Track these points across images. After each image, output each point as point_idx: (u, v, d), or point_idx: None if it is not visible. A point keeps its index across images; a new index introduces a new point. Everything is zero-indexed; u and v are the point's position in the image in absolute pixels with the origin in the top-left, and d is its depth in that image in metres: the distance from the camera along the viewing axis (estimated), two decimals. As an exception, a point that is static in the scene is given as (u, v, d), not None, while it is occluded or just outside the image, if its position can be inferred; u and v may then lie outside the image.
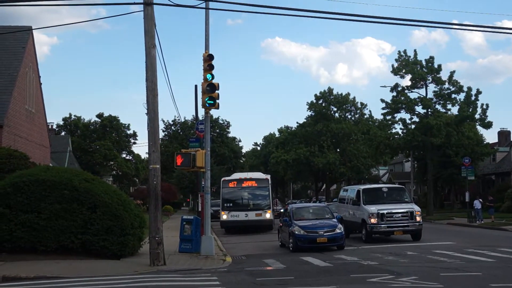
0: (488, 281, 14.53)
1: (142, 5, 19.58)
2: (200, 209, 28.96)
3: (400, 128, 56.12)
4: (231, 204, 37.71)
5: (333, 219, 25.80)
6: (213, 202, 41.05)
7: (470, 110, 52.17)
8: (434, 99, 54.08)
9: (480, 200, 42.27)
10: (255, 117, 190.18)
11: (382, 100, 54.70)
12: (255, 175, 41.49)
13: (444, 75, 54.10)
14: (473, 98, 52.41)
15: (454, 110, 54.38)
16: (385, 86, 56.26)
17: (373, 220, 27.63)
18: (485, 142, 62.49)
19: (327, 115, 79.06)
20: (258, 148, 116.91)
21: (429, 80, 53.93)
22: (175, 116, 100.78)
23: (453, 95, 53.70)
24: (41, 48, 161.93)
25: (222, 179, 39.22)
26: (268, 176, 39.91)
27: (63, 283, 15.70)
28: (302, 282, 15.21)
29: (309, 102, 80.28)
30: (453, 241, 27.21)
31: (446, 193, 72.08)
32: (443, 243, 26.40)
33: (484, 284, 14.09)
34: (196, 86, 37.74)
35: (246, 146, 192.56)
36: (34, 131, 35.65)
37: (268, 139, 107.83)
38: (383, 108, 55.14)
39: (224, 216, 37.48)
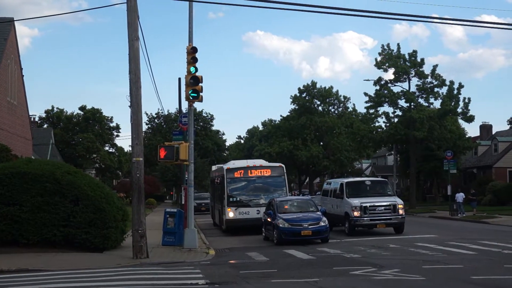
0: (469, 273, 14.67)
1: (125, -3, 19.45)
2: (183, 202, 28.95)
3: (383, 122, 56.46)
4: (238, 199, 30.92)
5: (317, 212, 25.80)
6: (196, 195, 40.55)
7: (453, 104, 52.45)
8: (417, 93, 54.34)
9: (463, 194, 42.52)
10: (238, 110, 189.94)
11: (366, 94, 54.90)
12: (264, 162, 34.71)
13: (426, 69, 54.44)
14: (455, 92, 52.74)
15: (437, 104, 54.71)
16: (368, 80, 56.40)
17: (356, 213, 27.71)
18: (467, 136, 62.95)
19: (310, 109, 79.07)
20: (242, 141, 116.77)
21: (412, 74, 54.10)
22: (158, 109, 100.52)
23: (436, 89, 53.96)
24: (22, 40, 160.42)
25: (226, 167, 32.26)
26: (282, 164, 33.65)
27: (45, 276, 15.60)
28: (285, 275, 15.25)
29: (293, 95, 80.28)
30: (435, 234, 27.43)
31: (428, 186, 72.50)
32: (425, 236, 26.60)
33: (465, 276, 14.22)
34: (179, 79, 37.67)
35: (230, 139, 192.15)
36: (16, 123, 35.34)
37: (252, 132, 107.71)
38: (366, 102, 55.34)
39: (231, 214, 30.35)
